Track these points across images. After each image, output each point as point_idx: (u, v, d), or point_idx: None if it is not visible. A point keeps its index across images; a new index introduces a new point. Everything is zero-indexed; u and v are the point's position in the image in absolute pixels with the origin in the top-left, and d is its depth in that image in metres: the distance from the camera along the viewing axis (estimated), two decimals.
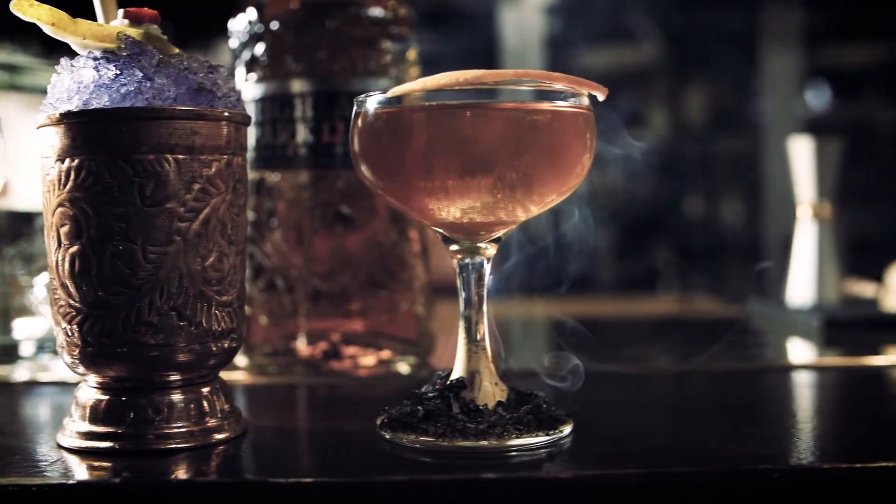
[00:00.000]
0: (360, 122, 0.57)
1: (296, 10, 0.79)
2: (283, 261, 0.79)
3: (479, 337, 0.58)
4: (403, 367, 0.81)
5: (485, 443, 0.54)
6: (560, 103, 0.55)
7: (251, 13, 0.80)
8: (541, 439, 0.55)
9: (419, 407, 0.57)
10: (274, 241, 0.80)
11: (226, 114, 0.57)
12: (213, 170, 0.56)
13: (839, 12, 2.89)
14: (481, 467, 0.51)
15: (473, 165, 0.54)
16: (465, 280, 0.58)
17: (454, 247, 0.58)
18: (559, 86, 0.55)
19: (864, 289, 1.14)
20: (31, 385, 0.79)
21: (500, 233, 0.58)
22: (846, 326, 0.98)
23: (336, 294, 0.79)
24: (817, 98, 2.95)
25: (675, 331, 1.11)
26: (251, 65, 0.80)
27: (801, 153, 1.10)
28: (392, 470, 0.52)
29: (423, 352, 0.82)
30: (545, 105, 0.55)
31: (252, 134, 0.81)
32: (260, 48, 0.80)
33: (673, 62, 2.92)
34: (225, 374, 0.80)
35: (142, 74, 0.55)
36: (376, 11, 0.80)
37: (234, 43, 0.82)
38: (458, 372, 0.58)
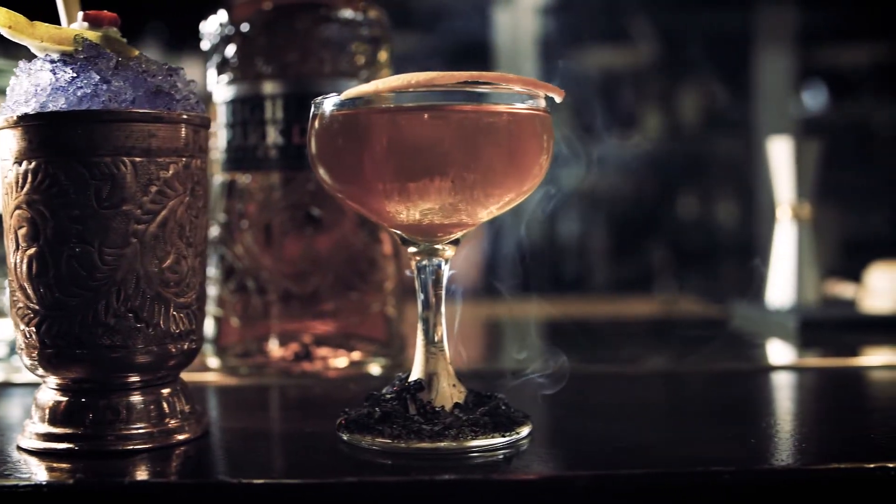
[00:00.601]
0: (316, 124, 0.57)
1: (266, 11, 0.79)
2: (253, 262, 0.79)
3: (437, 339, 0.58)
4: (375, 369, 0.81)
5: (440, 444, 0.54)
6: (517, 105, 0.56)
7: (222, 15, 0.80)
8: (497, 441, 0.55)
9: (376, 408, 0.57)
10: (245, 243, 0.80)
11: (184, 116, 0.57)
12: (171, 172, 0.57)
13: (833, 13, 2.88)
14: (436, 469, 0.51)
15: (429, 168, 0.54)
16: (423, 282, 0.58)
17: (412, 249, 0.59)
18: (516, 88, 0.55)
19: (845, 290, 1.14)
20: (5, 386, 0.80)
21: (458, 234, 0.59)
22: (823, 328, 0.98)
23: (307, 295, 0.79)
24: (813, 99, 2.94)
25: (654, 332, 1.11)
26: (222, 67, 0.81)
27: (781, 154, 1.10)
28: (345, 471, 0.52)
29: (394, 353, 0.82)
30: (501, 107, 0.55)
31: (223, 136, 0.81)
32: (231, 50, 0.80)
33: (666, 63, 2.92)
34: (197, 376, 0.81)
35: (98, 77, 0.56)
36: (346, 13, 0.80)
37: (205, 45, 0.82)
38: (416, 374, 0.58)
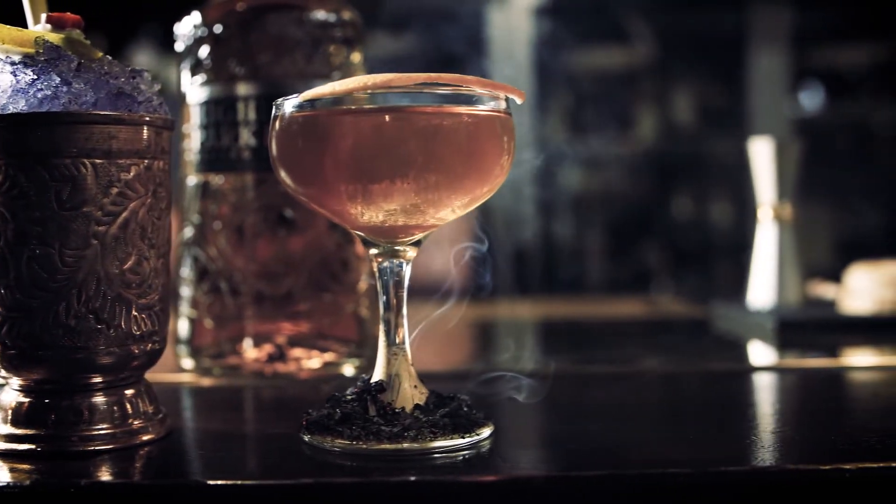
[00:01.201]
0: (277, 125, 0.57)
1: (238, 13, 0.79)
2: (227, 263, 0.80)
3: (398, 340, 0.59)
4: (348, 370, 0.81)
5: (399, 446, 0.54)
6: (477, 107, 0.56)
7: (195, 16, 0.81)
8: (456, 442, 0.55)
9: (337, 410, 0.57)
10: (218, 244, 0.80)
11: (146, 118, 0.58)
12: (132, 174, 0.57)
13: (828, 13, 2.88)
14: (393, 470, 0.52)
15: (389, 169, 0.54)
16: (384, 283, 0.59)
17: (373, 250, 0.59)
18: (476, 89, 0.55)
19: (828, 290, 1.14)
20: None
21: (420, 235, 0.59)
22: (801, 329, 0.98)
23: (280, 297, 0.79)
24: (810, 99, 2.94)
25: (635, 333, 1.11)
26: (196, 68, 0.81)
27: (762, 155, 1.10)
28: (303, 473, 0.52)
29: (368, 354, 0.82)
30: (461, 108, 0.55)
31: (196, 137, 0.81)
32: (204, 51, 0.80)
33: (661, 63, 2.92)
34: (171, 377, 0.81)
35: (59, 79, 0.56)
36: (319, 14, 0.80)
37: (179, 46, 0.82)
38: (377, 375, 0.58)
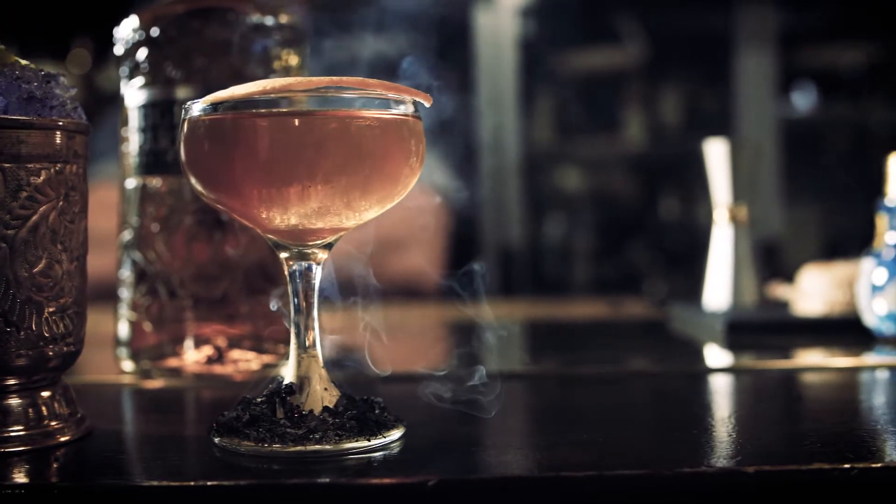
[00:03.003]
0: (185, 129, 0.57)
1: (175, 16, 0.80)
2: (164, 266, 0.80)
3: (308, 343, 0.59)
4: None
5: (302, 448, 0.54)
6: (383, 111, 0.56)
7: (133, 20, 0.81)
8: (361, 444, 0.55)
9: (246, 412, 0.57)
10: (156, 247, 0.80)
11: (59, 122, 0.58)
12: (42, 178, 0.57)
13: (814, 14, 2.88)
14: (297, 472, 0.52)
15: (294, 173, 0.55)
16: (294, 287, 0.59)
17: (284, 254, 0.59)
18: (380, 93, 0.56)
19: (786, 292, 1.14)
20: None
21: (330, 238, 0.59)
22: (749, 330, 0.98)
23: (217, 299, 0.80)
24: (802, 99, 2.94)
25: (583, 334, 1.11)
26: (134, 71, 0.81)
27: (716, 156, 1.10)
28: (206, 474, 0.53)
29: None
30: (366, 112, 0.55)
31: (135, 140, 0.81)
32: (142, 55, 0.80)
33: (648, 64, 2.92)
34: (112, 378, 0.82)
35: None
36: (255, 18, 0.80)
37: (118, 50, 0.83)
38: (288, 377, 0.59)
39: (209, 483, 0.51)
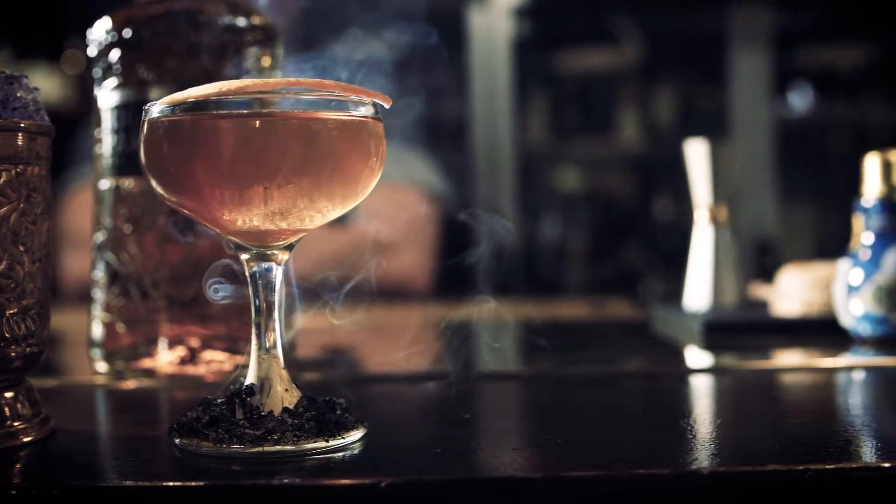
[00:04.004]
0: (145, 130, 0.57)
1: (148, 18, 0.80)
2: (137, 267, 0.80)
3: (268, 344, 0.59)
4: None
5: (260, 449, 0.54)
6: (341, 112, 0.56)
7: (106, 21, 0.81)
8: (319, 445, 0.55)
9: (206, 413, 0.57)
10: (129, 248, 0.80)
11: (21, 124, 0.58)
12: (3, 179, 0.57)
13: (808, 14, 2.88)
14: (254, 473, 0.52)
15: (253, 175, 0.55)
16: (255, 288, 0.59)
17: (245, 255, 0.59)
18: (337, 94, 0.56)
19: (767, 292, 1.14)
20: None
21: (291, 239, 0.59)
22: (726, 331, 0.97)
23: (189, 300, 0.80)
24: (799, 99, 2.93)
25: (566, 334, 1.11)
26: (107, 73, 0.81)
27: (697, 156, 1.10)
28: (164, 475, 0.53)
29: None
30: (325, 114, 0.55)
31: (108, 141, 0.82)
32: (115, 56, 0.81)
33: (643, 65, 2.92)
34: (85, 379, 0.82)
35: None
36: (227, 19, 0.80)
37: (92, 51, 0.83)
38: (249, 378, 0.59)
39: (164, 484, 0.51)
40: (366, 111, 0.57)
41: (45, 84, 2.44)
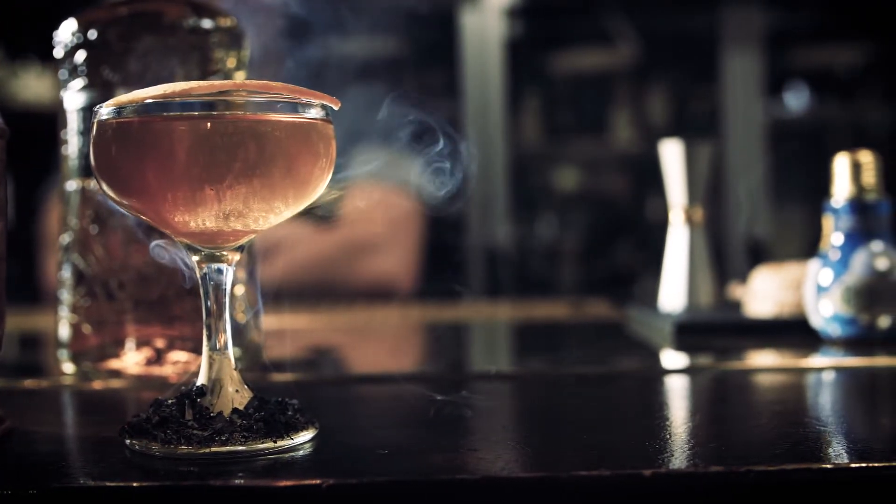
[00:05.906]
0: (94, 132, 0.57)
1: (113, 20, 0.80)
2: (102, 268, 0.80)
3: (220, 345, 0.59)
4: None
5: (207, 449, 0.55)
6: (290, 114, 0.56)
7: (72, 23, 0.81)
8: (265, 446, 0.56)
9: (155, 414, 0.57)
10: (94, 250, 0.81)
11: None
12: None
13: (800, 14, 2.87)
14: (202, 474, 0.52)
15: (202, 177, 0.55)
16: (206, 288, 0.59)
17: (195, 257, 0.59)
18: (283, 96, 0.56)
19: (743, 292, 1.13)
20: None
21: (242, 241, 0.59)
22: (697, 332, 0.97)
23: (155, 301, 0.80)
24: (792, 100, 2.93)
25: (536, 335, 1.11)
26: (72, 74, 0.82)
27: (672, 157, 1.10)
28: (113, 475, 0.53)
29: (245, 358, 0.83)
30: (274, 116, 0.56)
31: (74, 143, 0.82)
32: (80, 57, 0.81)
33: (636, 65, 2.92)
34: (53, 381, 0.82)
35: None
36: (191, 21, 0.80)
37: (58, 52, 0.83)
38: (200, 379, 0.59)
39: (108, 484, 0.52)
40: (315, 113, 0.57)
41: (36, 85, 2.45)
